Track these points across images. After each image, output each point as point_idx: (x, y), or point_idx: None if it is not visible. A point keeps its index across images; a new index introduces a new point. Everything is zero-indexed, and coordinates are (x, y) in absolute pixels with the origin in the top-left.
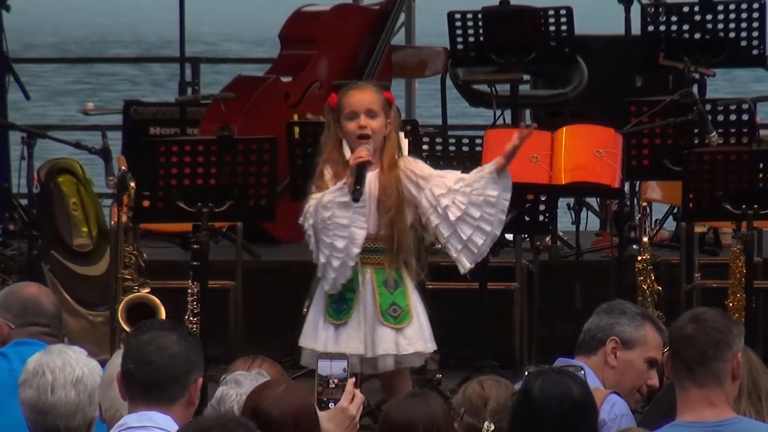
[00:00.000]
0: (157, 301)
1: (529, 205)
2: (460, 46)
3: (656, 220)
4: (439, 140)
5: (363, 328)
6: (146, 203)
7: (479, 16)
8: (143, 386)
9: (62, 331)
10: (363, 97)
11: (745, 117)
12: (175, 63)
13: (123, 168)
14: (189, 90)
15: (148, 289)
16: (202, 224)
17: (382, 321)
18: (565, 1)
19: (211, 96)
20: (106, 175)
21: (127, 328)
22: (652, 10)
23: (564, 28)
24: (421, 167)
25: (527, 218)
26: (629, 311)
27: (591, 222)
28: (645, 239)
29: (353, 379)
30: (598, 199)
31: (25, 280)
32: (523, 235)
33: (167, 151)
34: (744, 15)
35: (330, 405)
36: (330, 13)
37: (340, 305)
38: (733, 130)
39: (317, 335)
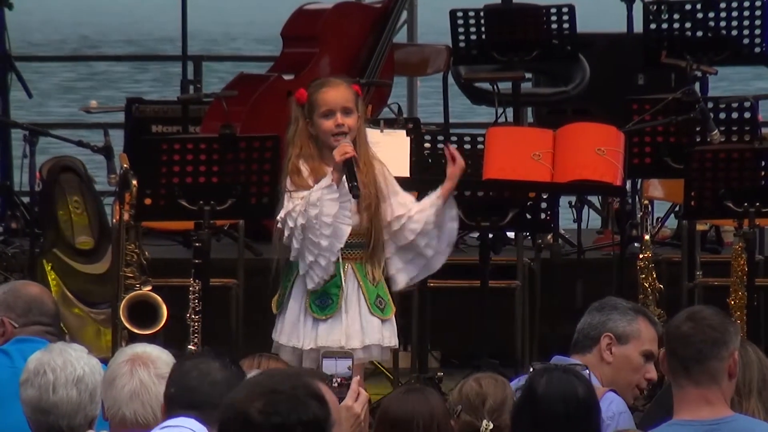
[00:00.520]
0: (159, 299)
1: (531, 203)
2: (462, 44)
3: (658, 218)
4: (440, 138)
5: (345, 321)
6: (148, 201)
7: (481, 14)
8: (183, 407)
9: (62, 330)
10: (338, 94)
11: (747, 115)
12: (178, 61)
13: (125, 166)
14: (191, 88)
15: (149, 287)
16: (204, 222)
17: (372, 312)
18: None
19: (213, 94)
20: (108, 173)
21: (129, 326)
22: (654, 8)
23: (566, 26)
24: (391, 179)
25: (529, 216)
26: (621, 306)
27: (593, 220)
28: (647, 237)
29: (358, 377)
30: (600, 197)
31: (27, 278)
32: (524, 233)
33: (169, 149)
34: (746, 13)
35: None
36: (332, 11)
37: (325, 300)
38: (735, 128)
39: (298, 332)
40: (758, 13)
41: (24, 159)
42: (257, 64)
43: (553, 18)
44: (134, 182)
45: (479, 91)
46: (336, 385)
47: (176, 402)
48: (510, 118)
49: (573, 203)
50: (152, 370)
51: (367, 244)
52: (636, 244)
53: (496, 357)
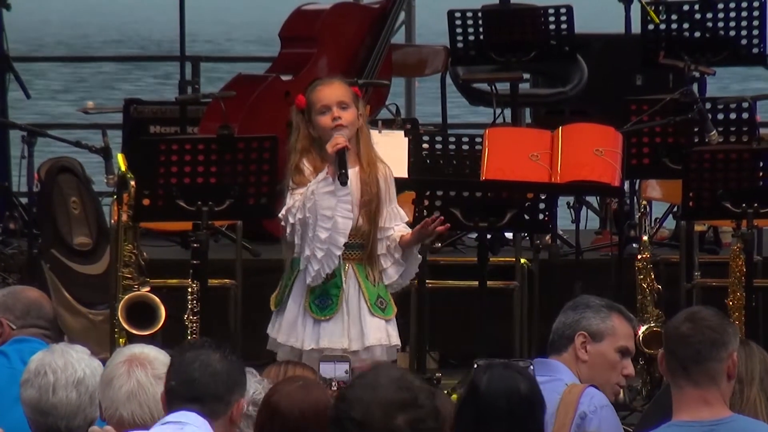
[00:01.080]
0: (157, 299)
1: (529, 204)
2: (460, 45)
3: (656, 219)
4: (439, 139)
5: (347, 322)
6: (146, 202)
7: (479, 14)
8: (185, 403)
9: (59, 335)
10: (332, 90)
11: (745, 115)
12: (176, 62)
13: (123, 167)
14: (189, 89)
15: (148, 288)
16: (202, 223)
17: (373, 312)
18: (565, 0)
19: (211, 95)
20: (106, 174)
21: (127, 327)
22: (653, 8)
23: (564, 26)
24: (392, 187)
25: (527, 217)
26: (594, 304)
27: (591, 221)
28: (645, 238)
29: None
30: (598, 197)
31: (26, 278)
32: (522, 234)
33: (167, 150)
34: (744, 13)
35: None
36: (330, 11)
37: (324, 301)
38: (733, 129)
39: (296, 332)
40: (756, 13)
41: (22, 160)
42: (255, 64)
43: (551, 19)
44: (132, 183)
45: (477, 92)
46: (335, 388)
47: (177, 395)
48: (508, 119)
49: (571, 204)
50: (149, 370)
51: (366, 244)
52: (634, 245)
53: (494, 357)
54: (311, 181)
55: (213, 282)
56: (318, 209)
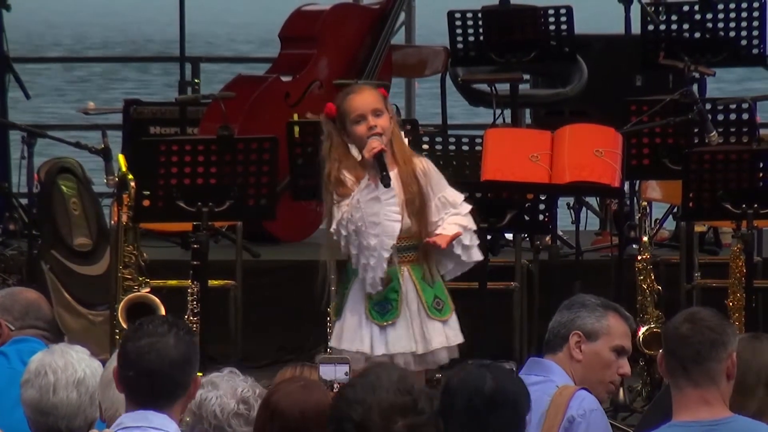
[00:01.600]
0: (157, 300)
1: (529, 205)
2: (460, 46)
3: (656, 220)
4: (438, 140)
5: (411, 326)
6: (146, 203)
7: (479, 15)
8: (145, 393)
9: (58, 336)
10: (366, 98)
11: (745, 116)
12: (176, 62)
13: (123, 167)
14: (189, 89)
15: (148, 289)
16: (202, 224)
17: (431, 315)
18: (565, 0)
19: (211, 95)
20: (106, 175)
21: (127, 328)
22: (652, 9)
23: (564, 27)
24: (434, 178)
25: (527, 218)
26: (589, 304)
27: (591, 221)
28: (645, 239)
29: None
30: (598, 198)
31: (26, 279)
32: (522, 235)
33: (167, 151)
34: (744, 14)
35: None
36: (330, 12)
37: (384, 306)
38: (733, 130)
39: (361, 337)
40: (756, 14)
41: (22, 160)
42: (255, 65)
43: (551, 19)
44: (132, 184)
45: (477, 93)
46: (336, 390)
47: (136, 389)
48: (508, 120)
49: (571, 205)
50: None
51: (418, 244)
52: (634, 246)
53: (495, 358)
54: (354, 191)
55: (213, 283)
56: (365, 217)
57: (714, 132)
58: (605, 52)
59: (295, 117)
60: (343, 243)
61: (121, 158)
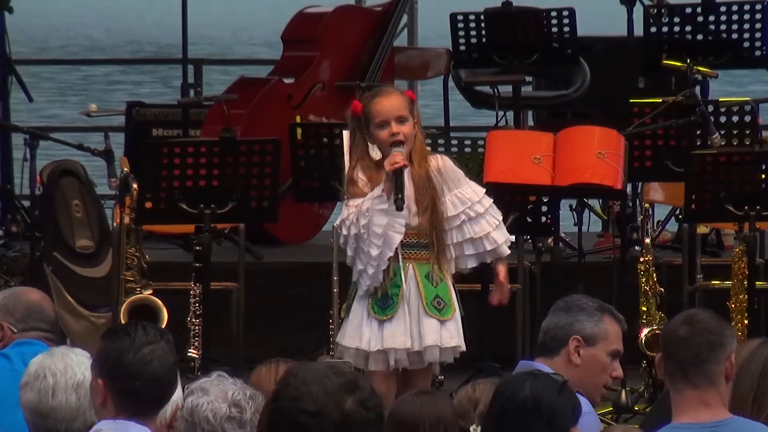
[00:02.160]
0: (160, 302)
1: (532, 207)
2: (462, 48)
3: (658, 222)
4: (441, 141)
5: (408, 321)
6: (149, 205)
7: (482, 17)
8: (148, 402)
9: (62, 338)
10: (392, 104)
11: (747, 118)
12: (178, 65)
13: (125, 169)
14: (191, 91)
15: (150, 291)
16: (205, 226)
17: (428, 312)
18: (567, 2)
19: (213, 97)
20: (108, 177)
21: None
22: (655, 11)
23: (566, 29)
24: (450, 174)
25: (529, 219)
26: (587, 307)
27: (593, 223)
28: (647, 240)
29: None
30: (601, 200)
31: (28, 281)
32: (525, 237)
33: (170, 153)
34: (746, 16)
35: None
36: (332, 14)
37: (385, 301)
38: (735, 132)
39: (361, 334)
40: (758, 16)
41: (24, 163)
42: (258, 67)
43: (554, 21)
44: (135, 186)
45: (480, 95)
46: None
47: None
48: (510, 122)
49: (573, 206)
50: None
51: (431, 244)
52: (637, 248)
53: (497, 360)
54: (365, 193)
55: (215, 285)
56: (371, 226)
57: (716, 134)
58: (608, 54)
59: (298, 119)
60: (342, 241)
61: (124, 160)
